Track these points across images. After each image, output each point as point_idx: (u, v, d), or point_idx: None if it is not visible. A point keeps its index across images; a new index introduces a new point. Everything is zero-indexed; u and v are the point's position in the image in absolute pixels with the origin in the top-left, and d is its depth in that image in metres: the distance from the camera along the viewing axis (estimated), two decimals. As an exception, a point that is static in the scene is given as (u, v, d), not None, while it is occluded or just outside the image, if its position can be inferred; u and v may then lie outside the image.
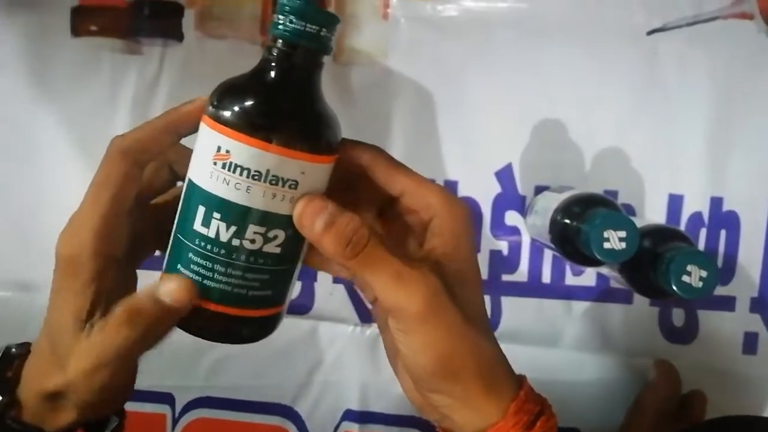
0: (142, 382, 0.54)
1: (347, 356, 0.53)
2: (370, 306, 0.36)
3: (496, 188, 0.52)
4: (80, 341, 0.29)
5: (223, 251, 0.28)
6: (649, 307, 0.52)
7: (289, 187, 0.28)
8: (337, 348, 0.54)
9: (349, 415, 0.54)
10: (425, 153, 0.51)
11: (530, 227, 0.51)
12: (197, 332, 0.30)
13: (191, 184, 0.29)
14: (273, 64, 0.29)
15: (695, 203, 0.51)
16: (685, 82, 0.50)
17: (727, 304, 0.51)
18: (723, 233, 0.51)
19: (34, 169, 0.54)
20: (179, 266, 0.29)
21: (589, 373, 0.52)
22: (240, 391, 0.54)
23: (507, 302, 0.52)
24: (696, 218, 0.51)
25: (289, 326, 0.53)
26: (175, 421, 0.55)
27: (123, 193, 0.31)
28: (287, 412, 0.54)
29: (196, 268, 0.29)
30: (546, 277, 0.52)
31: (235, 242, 0.28)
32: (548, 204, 0.47)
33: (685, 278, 0.39)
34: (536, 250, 0.52)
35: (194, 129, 0.31)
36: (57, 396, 0.31)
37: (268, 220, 0.28)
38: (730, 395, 0.51)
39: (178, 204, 0.30)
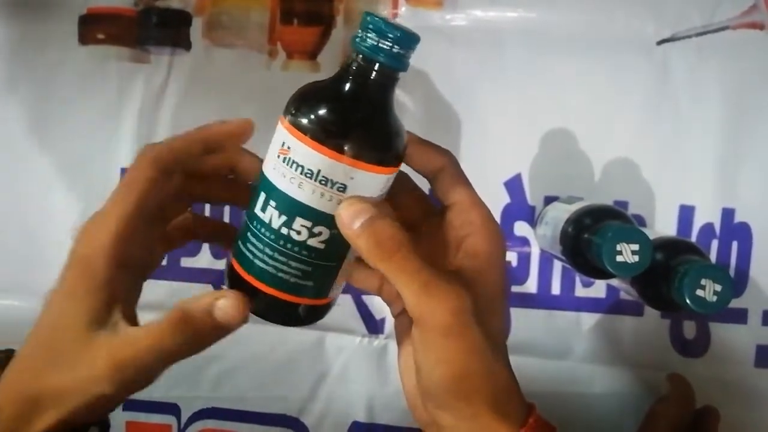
0: (148, 393, 0.54)
1: (354, 368, 0.53)
2: (393, 319, 0.35)
3: (505, 198, 0.52)
4: (95, 342, 0.29)
5: (273, 237, 0.30)
6: (660, 320, 0.51)
7: (337, 189, 0.29)
8: (343, 359, 0.53)
9: (357, 428, 0.53)
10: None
11: (540, 238, 0.51)
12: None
13: (261, 173, 0.31)
14: (350, 76, 0.30)
15: (707, 214, 0.50)
16: (696, 92, 0.50)
17: (739, 316, 0.50)
18: (735, 245, 0.50)
19: (42, 175, 0.54)
20: (239, 241, 0.32)
21: (599, 386, 0.51)
22: (246, 402, 0.54)
23: (516, 314, 0.52)
24: (707, 229, 0.50)
25: (296, 337, 0.53)
26: (180, 432, 0.55)
27: (147, 198, 0.31)
28: (293, 424, 0.54)
29: (251, 247, 0.31)
30: (555, 288, 0.52)
31: (284, 231, 0.30)
32: (558, 215, 0.47)
33: (699, 292, 0.38)
34: (546, 261, 0.52)
35: (219, 147, 0.33)
36: (39, 400, 0.29)
37: (313, 215, 0.30)
38: (742, 409, 0.50)
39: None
